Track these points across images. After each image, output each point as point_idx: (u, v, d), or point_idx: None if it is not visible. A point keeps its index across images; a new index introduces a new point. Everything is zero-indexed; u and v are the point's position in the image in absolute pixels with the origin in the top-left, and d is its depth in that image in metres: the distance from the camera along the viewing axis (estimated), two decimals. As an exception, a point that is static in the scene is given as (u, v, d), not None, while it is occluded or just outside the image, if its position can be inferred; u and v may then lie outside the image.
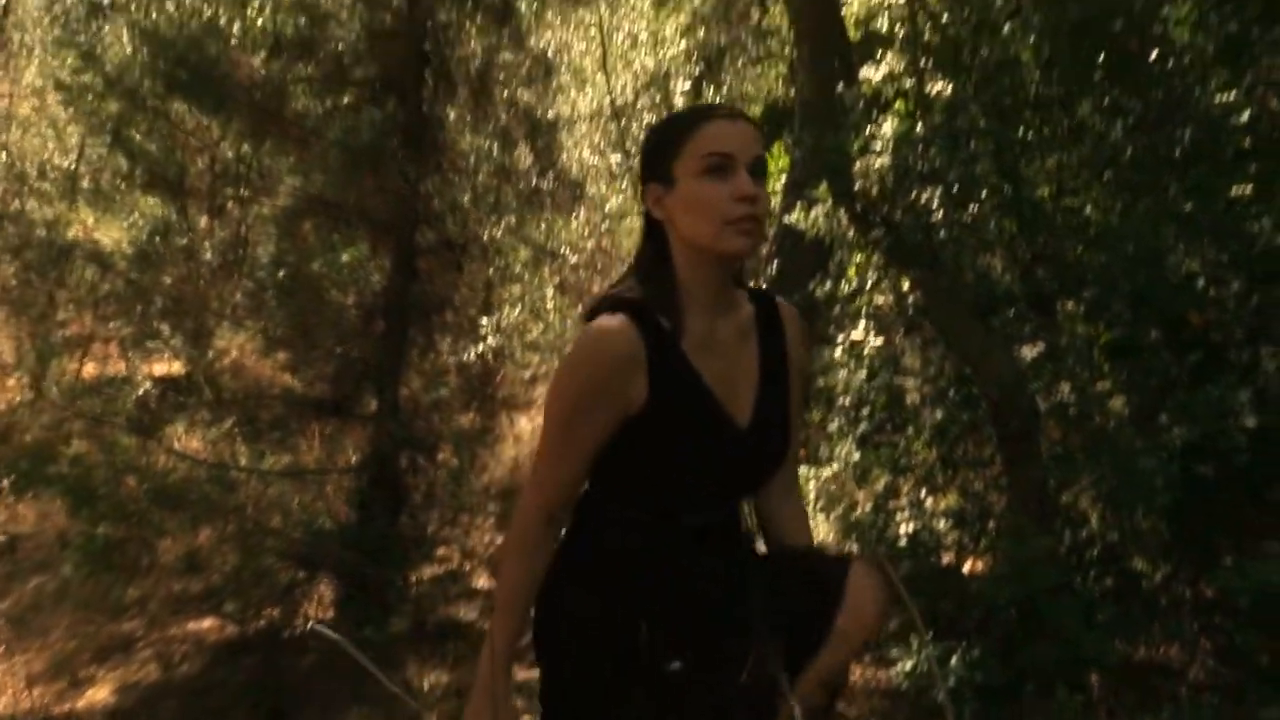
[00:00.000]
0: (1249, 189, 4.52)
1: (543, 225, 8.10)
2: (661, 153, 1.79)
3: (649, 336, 1.73)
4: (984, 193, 4.67)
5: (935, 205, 4.25)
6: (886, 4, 6.03)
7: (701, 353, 1.78)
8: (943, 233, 4.49)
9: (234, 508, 5.75)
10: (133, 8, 7.22)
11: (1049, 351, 4.99)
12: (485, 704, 1.79)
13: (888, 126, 5.03)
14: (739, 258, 1.78)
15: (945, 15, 5.46)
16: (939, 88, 5.14)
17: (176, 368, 8.00)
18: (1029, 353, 4.92)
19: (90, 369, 9.71)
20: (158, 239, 7.24)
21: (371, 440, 6.50)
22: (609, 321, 1.73)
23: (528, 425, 9.13)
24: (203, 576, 6.10)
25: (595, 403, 1.72)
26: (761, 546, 2.07)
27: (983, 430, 5.25)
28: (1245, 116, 4.95)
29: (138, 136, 7.08)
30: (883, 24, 5.81)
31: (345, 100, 7.06)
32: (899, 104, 5.26)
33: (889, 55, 5.46)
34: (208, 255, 7.45)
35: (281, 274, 6.66)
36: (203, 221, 8.42)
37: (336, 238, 6.64)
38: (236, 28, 7.03)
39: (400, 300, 6.61)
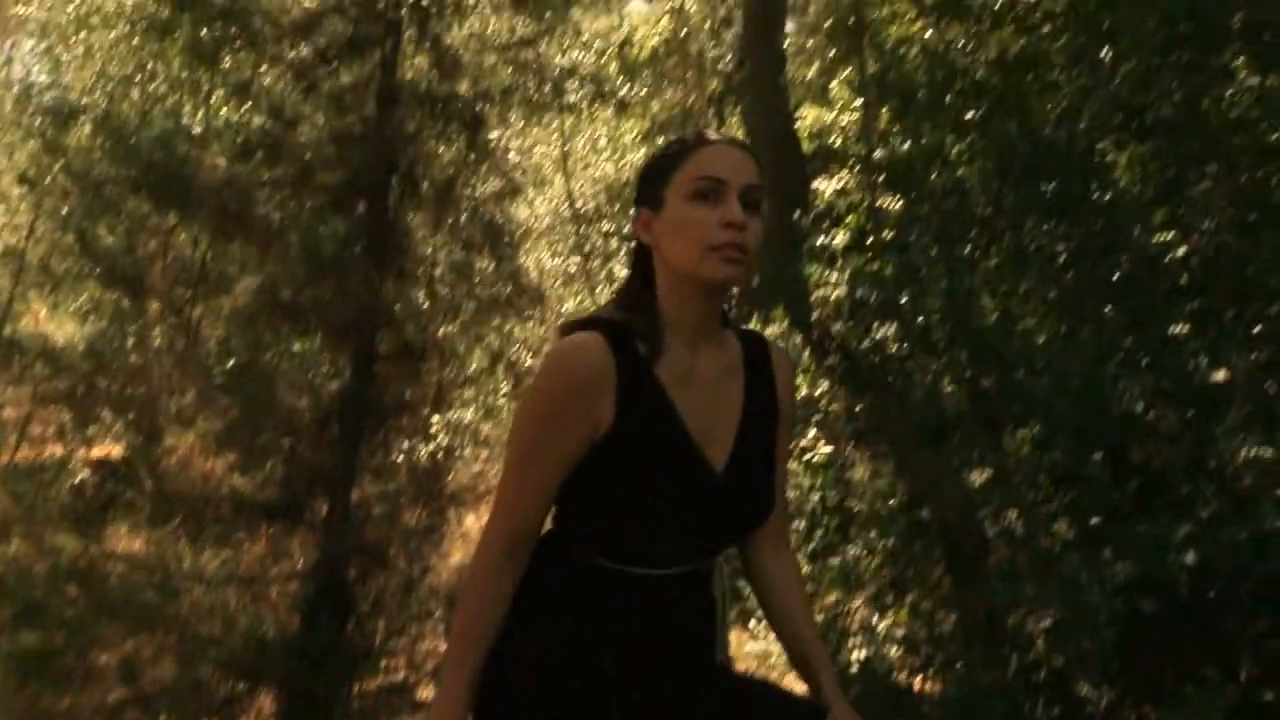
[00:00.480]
0: (1187, 327, 4.71)
1: (500, 329, 8.16)
2: (654, 177, 1.73)
3: (621, 357, 1.64)
4: (935, 320, 4.82)
5: (890, 336, 4.37)
6: (840, 121, 6.27)
7: (678, 384, 1.68)
8: (895, 362, 4.61)
9: (174, 615, 5.61)
10: (101, 104, 7.31)
11: (997, 476, 5.10)
12: None
13: (840, 238, 5.19)
14: (721, 286, 1.70)
15: (896, 134, 5.69)
16: (890, 203, 5.34)
17: (116, 451, 7.86)
18: (978, 477, 5.03)
19: (26, 452, 9.50)
20: (110, 333, 7.20)
21: (320, 545, 6.41)
22: (579, 337, 1.65)
23: (475, 523, 9.05)
24: (139, 686, 5.90)
25: (560, 420, 1.62)
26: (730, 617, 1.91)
27: (932, 552, 5.33)
28: (1181, 252, 5.19)
29: (99, 232, 7.08)
30: (836, 139, 6.04)
31: (310, 204, 7.15)
32: (851, 218, 5.44)
33: (842, 171, 5.67)
34: (160, 351, 7.41)
35: (235, 373, 6.63)
36: (157, 317, 8.38)
37: (295, 339, 6.63)
38: (202, 128, 7.13)
39: (356, 404, 6.60)
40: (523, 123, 10.28)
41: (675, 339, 1.70)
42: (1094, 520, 4.40)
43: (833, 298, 4.62)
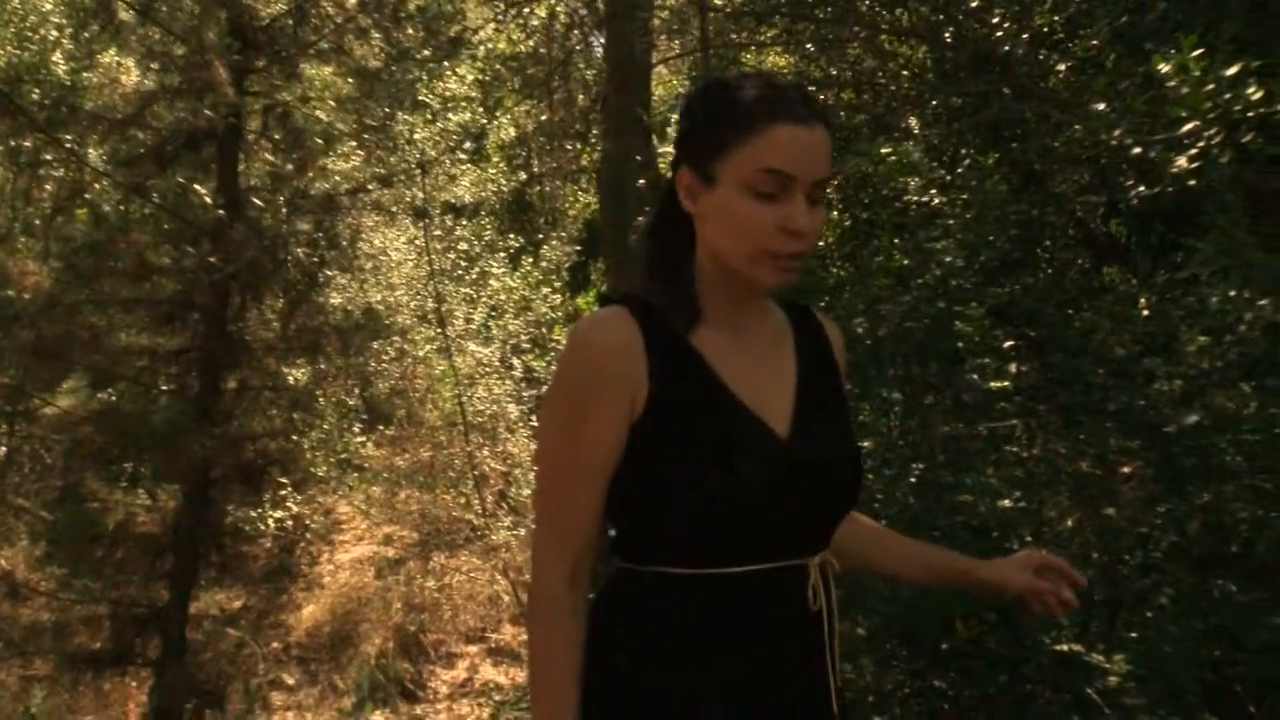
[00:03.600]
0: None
1: (350, 438, 7.83)
2: (707, 139, 1.42)
3: (649, 326, 1.42)
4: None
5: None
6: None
7: (720, 351, 1.45)
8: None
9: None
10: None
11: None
12: None
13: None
14: (766, 291, 1.47)
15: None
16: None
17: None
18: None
19: None
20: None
21: (152, 692, 5.96)
22: (597, 313, 1.44)
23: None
24: None
25: (592, 407, 1.38)
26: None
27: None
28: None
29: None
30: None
31: (141, 315, 6.73)
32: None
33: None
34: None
35: (56, 503, 6.15)
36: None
37: (121, 465, 6.19)
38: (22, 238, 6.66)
39: (189, 534, 6.18)
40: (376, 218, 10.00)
41: (713, 308, 1.48)
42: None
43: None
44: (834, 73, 5.84)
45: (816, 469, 1.45)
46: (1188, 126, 1.89)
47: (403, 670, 8.03)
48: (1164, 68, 1.87)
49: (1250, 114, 1.81)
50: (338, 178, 8.56)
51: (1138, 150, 2.17)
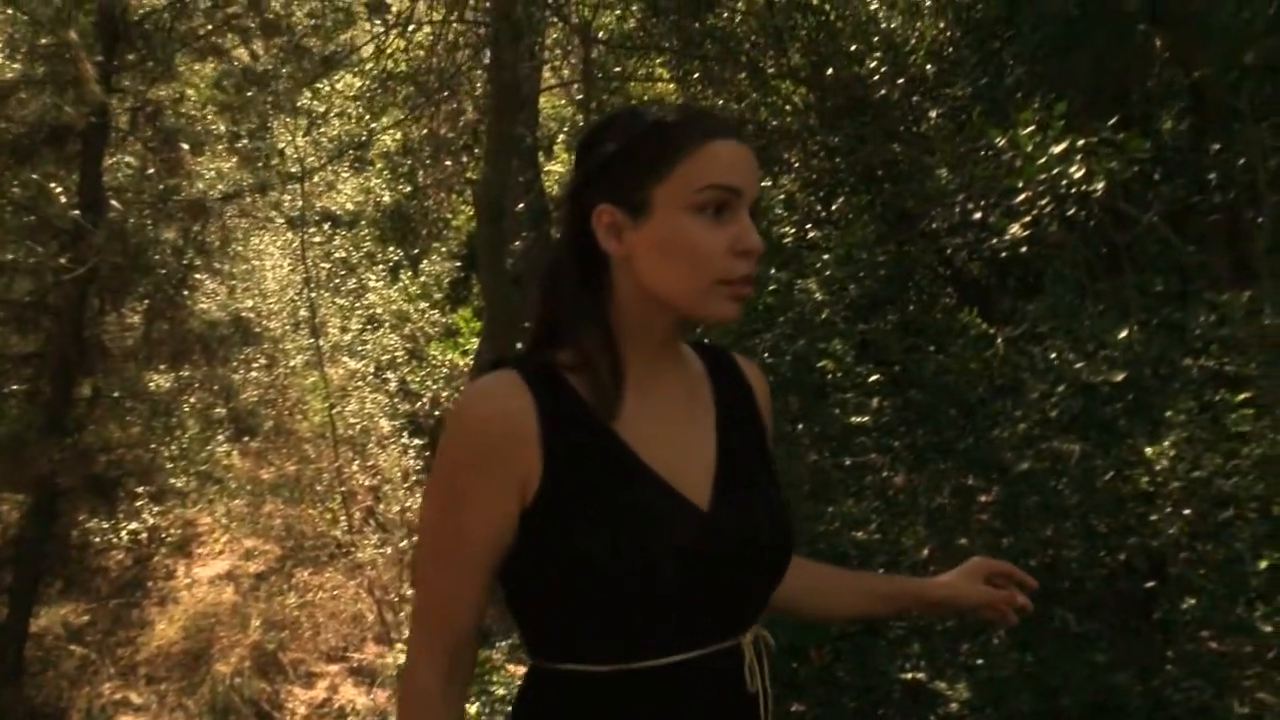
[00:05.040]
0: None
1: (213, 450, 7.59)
2: (637, 166, 1.27)
3: (542, 392, 1.26)
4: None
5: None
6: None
7: (627, 415, 1.29)
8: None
9: None
10: None
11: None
12: None
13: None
14: (719, 325, 1.38)
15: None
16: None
17: None
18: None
19: None
20: None
21: (-15, 714, 5.63)
22: (483, 381, 1.28)
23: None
24: None
25: (471, 486, 1.23)
26: None
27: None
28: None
29: None
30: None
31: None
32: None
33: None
34: None
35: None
36: None
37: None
38: None
39: (33, 548, 5.89)
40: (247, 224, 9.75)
41: (630, 364, 1.31)
42: None
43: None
44: (720, 104, 5.97)
45: (743, 540, 1.29)
46: (1021, 196, 2.03)
47: (259, 690, 7.77)
48: (1000, 141, 2.01)
49: (1073, 190, 1.96)
50: (211, 180, 8.30)
51: (978, 215, 2.31)
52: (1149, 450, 2.36)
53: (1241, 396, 2.52)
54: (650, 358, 1.33)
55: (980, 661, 2.86)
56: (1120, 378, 2.11)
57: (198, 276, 8.23)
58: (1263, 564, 2.56)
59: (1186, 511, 2.42)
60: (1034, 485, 2.44)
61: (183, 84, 7.82)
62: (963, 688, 2.70)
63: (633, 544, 1.21)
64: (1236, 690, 2.61)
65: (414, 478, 9.90)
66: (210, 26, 7.81)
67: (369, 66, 8.14)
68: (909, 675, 2.76)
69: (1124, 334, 2.17)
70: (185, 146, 7.70)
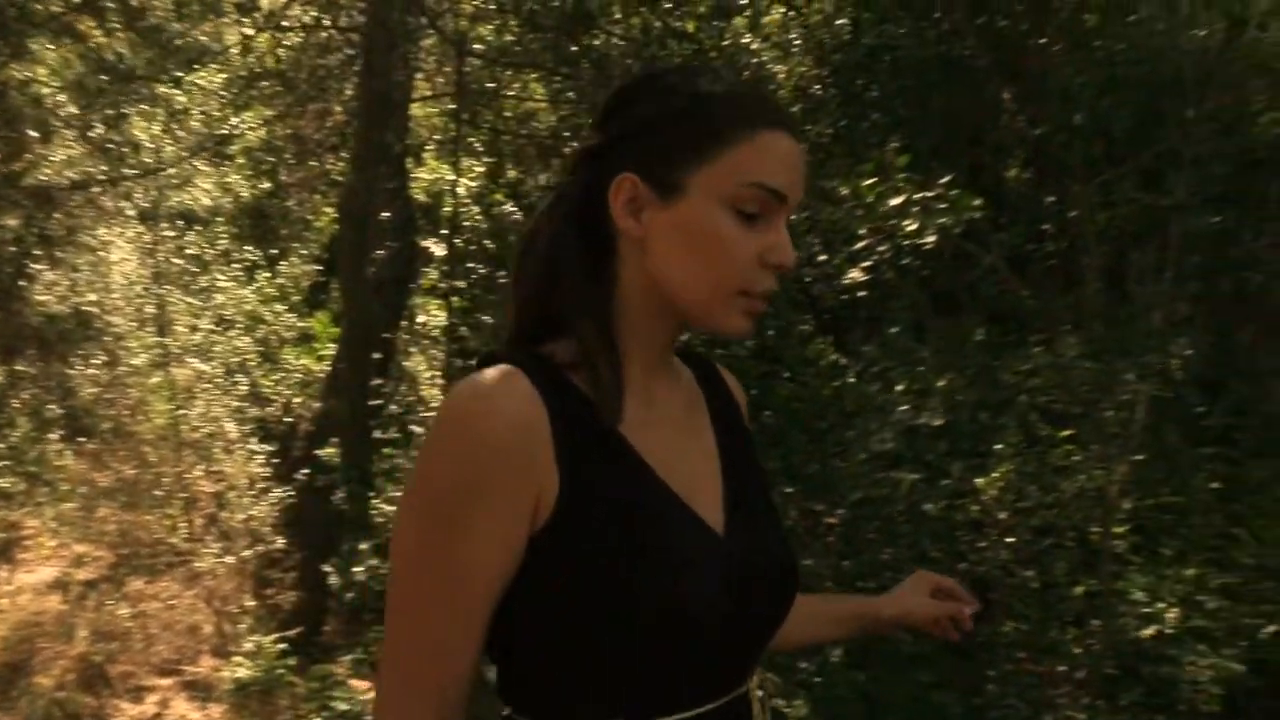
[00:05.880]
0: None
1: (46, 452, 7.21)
2: (678, 140, 1.07)
3: (551, 394, 1.03)
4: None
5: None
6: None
7: (637, 426, 1.08)
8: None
9: None
10: None
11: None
12: None
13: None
14: (728, 338, 1.19)
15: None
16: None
17: None
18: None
19: None
20: None
21: None
22: (486, 378, 1.03)
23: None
24: None
25: (479, 510, 0.98)
26: None
27: None
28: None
29: None
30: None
31: None
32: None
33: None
34: None
35: None
36: None
37: None
38: None
39: None
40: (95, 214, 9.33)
41: (630, 370, 1.11)
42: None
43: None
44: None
45: (758, 571, 1.11)
46: (862, 244, 2.16)
47: (83, 704, 7.38)
48: (844, 190, 2.14)
49: (906, 243, 2.10)
50: (57, 166, 7.88)
51: (824, 258, 2.45)
52: (979, 481, 2.51)
53: (1065, 433, 2.72)
54: (650, 361, 1.15)
55: (819, 679, 2.97)
56: (939, 423, 2.25)
57: (37, 267, 7.82)
58: (1078, 590, 2.75)
59: (1011, 540, 2.58)
60: (871, 512, 2.57)
61: (33, 63, 7.44)
62: (800, 704, 2.81)
63: (660, 580, 1.02)
64: (1050, 708, 2.79)
65: (260, 485, 9.60)
66: (66, 6, 7.44)
67: (234, 63, 7.93)
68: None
69: (943, 383, 2.34)
70: (32, 130, 7.31)
